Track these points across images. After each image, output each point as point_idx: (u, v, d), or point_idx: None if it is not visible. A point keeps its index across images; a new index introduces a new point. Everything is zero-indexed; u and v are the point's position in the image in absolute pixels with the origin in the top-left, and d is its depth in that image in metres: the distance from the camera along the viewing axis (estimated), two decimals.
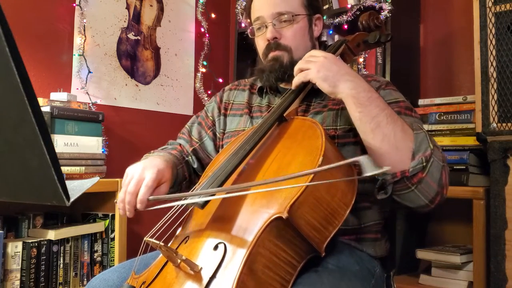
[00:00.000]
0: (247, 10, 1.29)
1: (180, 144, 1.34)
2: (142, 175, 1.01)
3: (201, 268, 0.83)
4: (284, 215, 0.81)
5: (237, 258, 0.81)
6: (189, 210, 1.04)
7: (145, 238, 0.94)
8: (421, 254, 1.84)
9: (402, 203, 0.99)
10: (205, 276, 0.81)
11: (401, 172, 0.94)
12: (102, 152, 2.00)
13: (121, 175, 2.08)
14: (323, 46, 1.32)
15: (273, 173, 0.93)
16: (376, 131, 0.95)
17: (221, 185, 0.92)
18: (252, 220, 0.85)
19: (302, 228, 0.85)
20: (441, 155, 0.98)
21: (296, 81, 1.06)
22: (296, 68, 1.07)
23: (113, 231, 1.91)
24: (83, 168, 1.86)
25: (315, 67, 1.01)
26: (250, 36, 1.27)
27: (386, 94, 1.13)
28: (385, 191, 0.97)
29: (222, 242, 0.85)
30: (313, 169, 0.84)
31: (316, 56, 1.04)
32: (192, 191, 1.00)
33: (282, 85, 1.27)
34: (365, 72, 2.04)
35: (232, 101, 1.35)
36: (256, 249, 0.81)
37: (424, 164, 0.93)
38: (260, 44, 1.24)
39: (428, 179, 0.95)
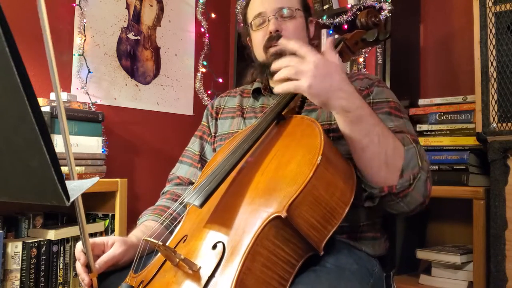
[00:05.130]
0: (244, 12, 1.30)
1: (178, 177, 1.31)
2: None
3: (200, 267, 0.83)
4: (283, 214, 0.81)
5: (235, 257, 0.81)
6: (187, 209, 1.04)
7: (143, 237, 0.94)
8: (421, 254, 1.84)
9: (386, 209, 1.03)
10: (204, 275, 0.82)
11: (388, 187, 0.96)
12: (102, 152, 2.00)
13: (121, 175, 2.10)
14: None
15: (271, 171, 0.93)
16: (366, 149, 0.95)
17: (220, 183, 0.92)
18: (251, 219, 0.85)
19: (300, 227, 0.85)
20: (428, 167, 1.00)
21: (285, 89, 0.94)
22: (282, 74, 0.94)
23: (113, 231, 1.91)
24: (83, 168, 1.86)
25: (307, 81, 0.90)
26: (252, 29, 1.26)
27: (379, 92, 1.15)
28: (372, 201, 1.00)
29: (221, 241, 0.85)
30: None
31: (306, 62, 0.91)
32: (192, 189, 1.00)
33: (275, 85, 1.27)
34: (365, 72, 2.04)
35: (223, 106, 1.37)
36: (255, 248, 0.81)
37: (411, 182, 0.96)
38: (259, 37, 1.24)
39: (414, 193, 0.97)
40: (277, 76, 0.95)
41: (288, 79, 0.93)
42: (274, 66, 0.95)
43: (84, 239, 0.88)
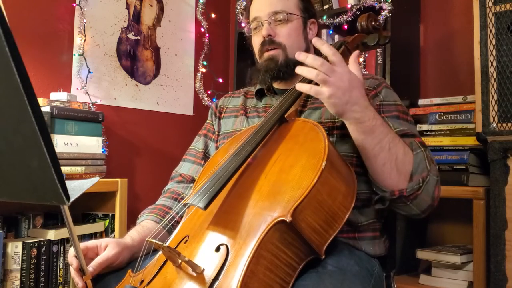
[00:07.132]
0: (247, 11, 1.33)
1: (181, 175, 1.31)
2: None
3: (203, 269, 0.83)
4: (288, 218, 0.81)
5: (240, 260, 0.81)
6: (190, 210, 1.04)
7: (147, 239, 0.94)
8: (421, 254, 1.84)
9: (396, 211, 1.08)
10: (208, 277, 0.82)
11: (399, 191, 1.01)
12: (102, 152, 2.00)
13: (121, 175, 2.10)
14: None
15: (275, 174, 0.92)
16: (378, 156, 1.00)
17: (224, 185, 0.92)
18: (255, 222, 0.85)
19: (303, 231, 0.85)
20: (436, 170, 1.05)
21: (306, 89, 0.97)
22: (308, 75, 0.95)
23: (113, 231, 1.91)
24: (83, 168, 1.86)
25: (329, 91, 0.93)
26: (247, 34, 1.32)
27: (388, 94, 1.18)
28: (382, 203, 1.04)
29: (224, 244, 0.85)
30: None
31: (334, 72, 0.94)
32: (192, 191, 0.99)
33: (277, 86, 1.29)
34: (367, 72, 2.04)
35: (226, 106, 1.39)
36: (259, 252, 0.81)
37: (421, 184, 1.01)
38: (256, 42, 1.28)
39: (423, 196, 1.02)
40: (304, 73, 0.95)
41: (311, 81, 0.97)
42: (306, 61, 0.95)
43: (74, 242, 0.88)
